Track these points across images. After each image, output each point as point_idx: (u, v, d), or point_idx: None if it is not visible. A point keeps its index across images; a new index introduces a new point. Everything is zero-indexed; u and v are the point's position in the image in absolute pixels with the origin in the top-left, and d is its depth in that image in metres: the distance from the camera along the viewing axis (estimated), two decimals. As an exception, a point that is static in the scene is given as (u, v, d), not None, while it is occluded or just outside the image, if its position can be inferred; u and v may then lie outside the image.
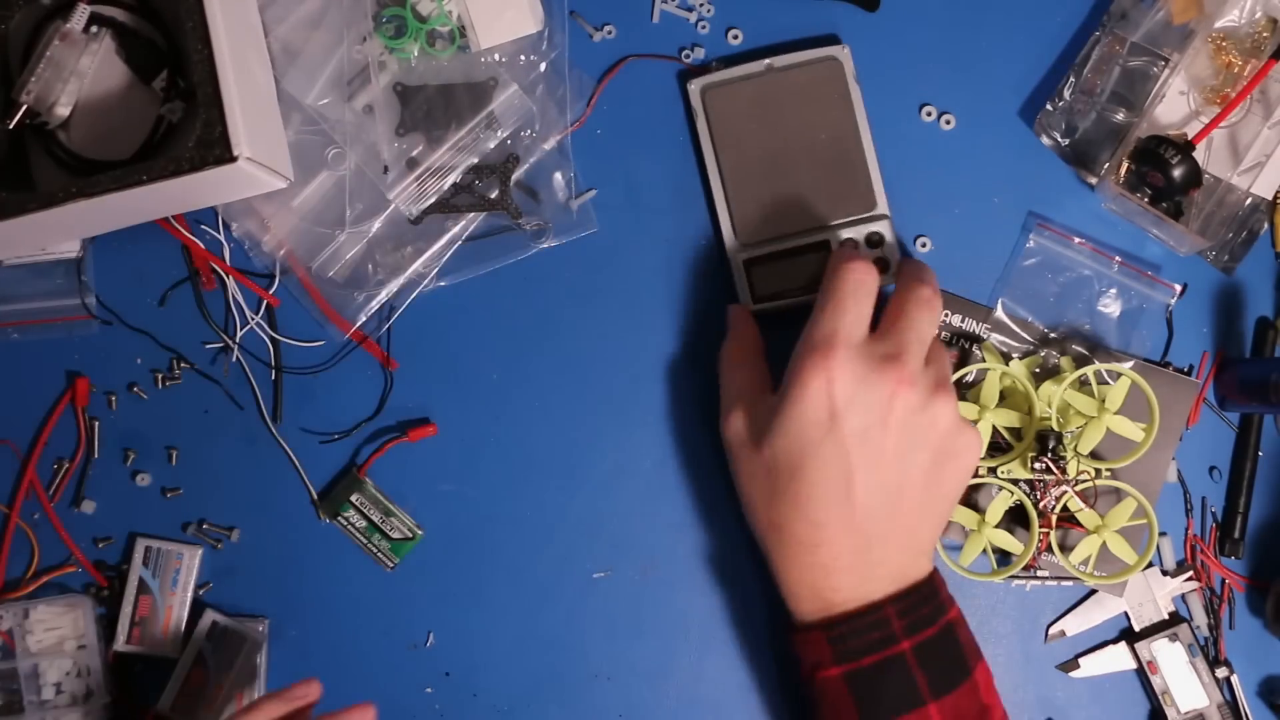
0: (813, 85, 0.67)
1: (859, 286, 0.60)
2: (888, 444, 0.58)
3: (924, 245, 0.70)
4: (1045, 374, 0.68)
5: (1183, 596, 0.69)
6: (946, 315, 0.69)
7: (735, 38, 0.70)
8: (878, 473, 0.58)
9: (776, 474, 0.59)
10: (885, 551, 0.59)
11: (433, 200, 0.68)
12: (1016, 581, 0.69)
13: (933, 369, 0.60)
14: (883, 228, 0.67)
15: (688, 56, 0.70)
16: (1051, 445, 0.64)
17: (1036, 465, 0.65)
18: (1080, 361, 0.68)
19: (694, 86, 0.68)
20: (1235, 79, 0.66)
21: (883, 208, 0.67)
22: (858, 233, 0.67)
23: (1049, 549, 0.65)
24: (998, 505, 0.66)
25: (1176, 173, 0.63)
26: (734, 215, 0.67)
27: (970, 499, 0.68)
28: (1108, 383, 0.67)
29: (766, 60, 0.68)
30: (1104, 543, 0.65)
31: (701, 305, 0.70)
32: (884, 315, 0.61)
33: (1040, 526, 0.65)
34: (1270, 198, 0.68)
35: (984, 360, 0.68)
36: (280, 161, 0.65)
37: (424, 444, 0.69)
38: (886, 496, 0.58)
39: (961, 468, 0.61)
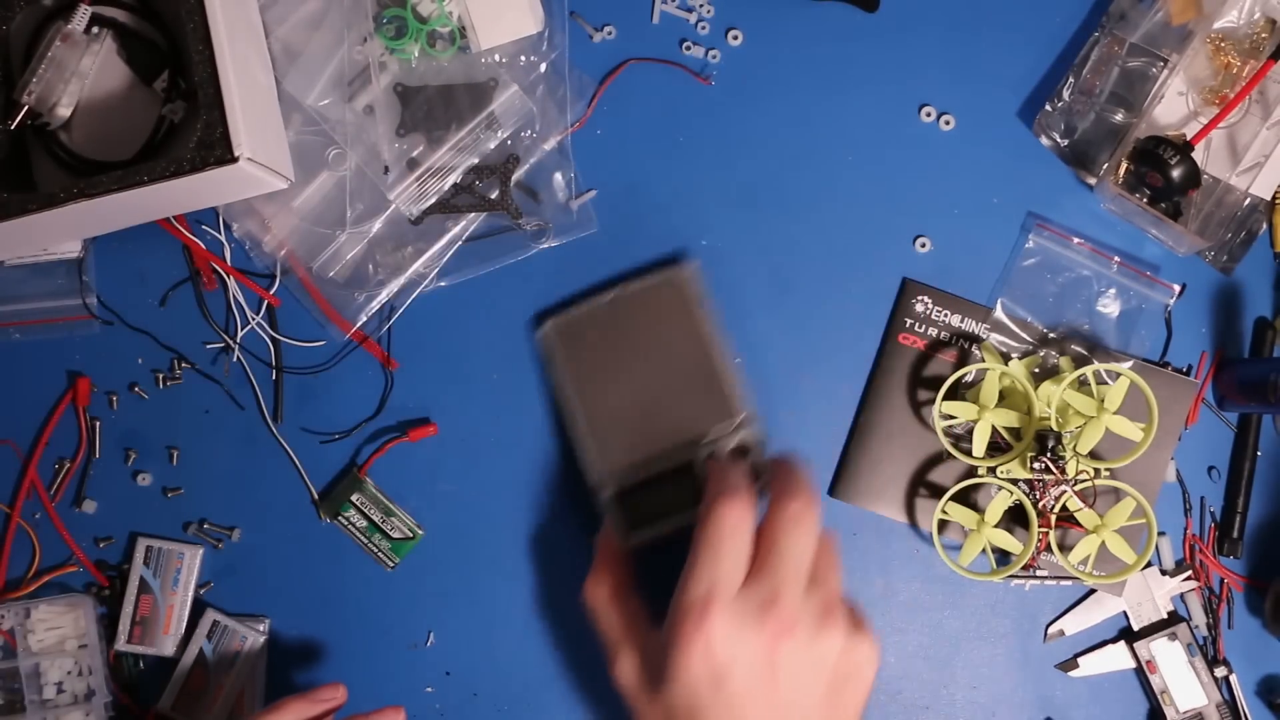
0: (660, 307, 0.67)
1: (733, 532, 0.57)
2: (779, 692, 0.56)
3: (924, 245, 0.70)
4: (1045, 374, 0.68)
5: (1181, 596, 0.69)
6: (946, 315, 0.69)
7: (735, 38, 0.70)
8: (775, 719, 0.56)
9: None
10: None
11: (433, 200, 0.68)
12: (1016, 581, 0.69)
13: (816, 596, 0.57)
14: (748, 435, 0.66)
15: (688, 49, 0.70)
16: (1051, 445, 0.64)
17: (1035, 465, 0.65)
18: (1080, 362, 0.68)
19: (546, 328, 0.67)
20: (1234, 79, 0.66)
21: (745, 414, 0.66)
22: (725, 445, 0.66)
23: (1048, 548, 0.66)
24: (997, 505, 0.66)
25: (1175, 173, 0.64)
26: (598, 451, 0.66)
27: (970, 499, 0.68)
28: (1107, 383, 0.67)
29: (612, 292, 0.67)
30: (1103, 542, 0.65)
31: (701, 305, 0.70)
32: (757, 547, 0.58)
33: (1039, 526, 0.65)
34: (1269, 198, 0.68)
35: (983, 360, 0.68)
36: (281, 162, 0.65)
37: (424, 444, 0.69)
38: None
39: (862, 683, 0.58)
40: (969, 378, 0.68)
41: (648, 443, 0.66)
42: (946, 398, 0.66)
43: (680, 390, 0.66)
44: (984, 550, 0.66)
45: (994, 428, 0.66)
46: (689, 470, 0.66)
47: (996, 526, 0.66)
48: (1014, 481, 0.66)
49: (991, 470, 0.66)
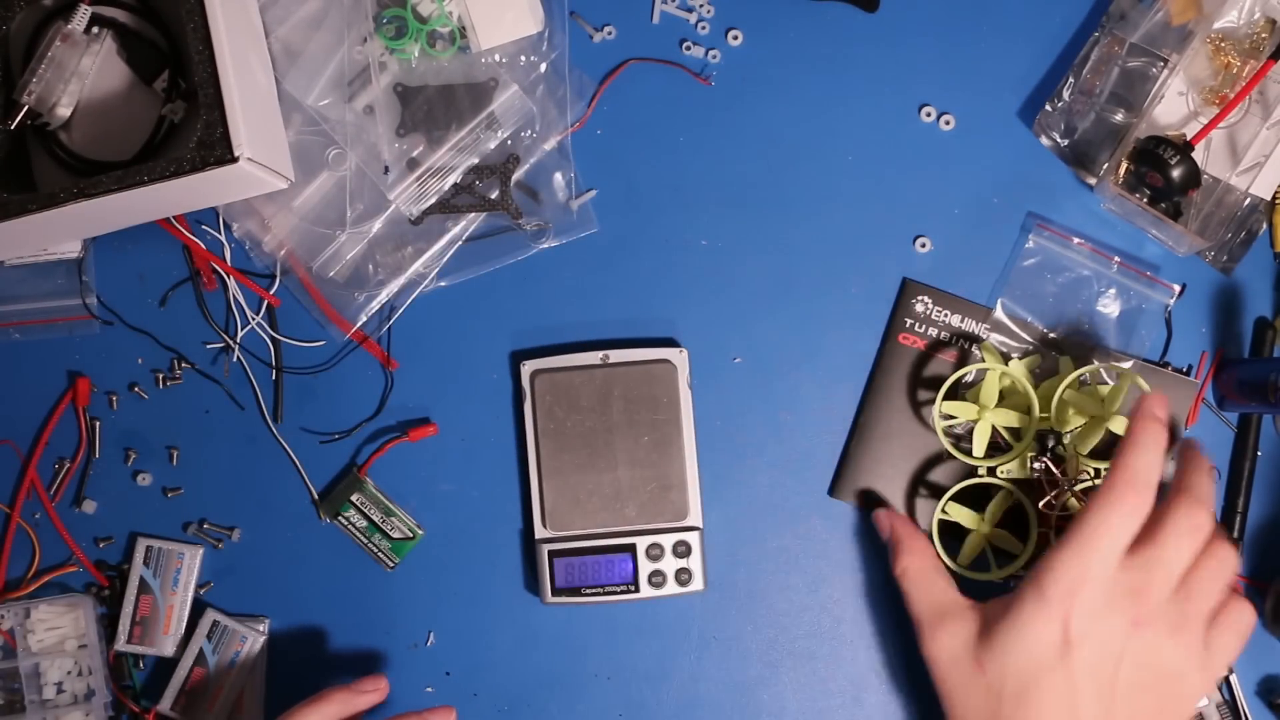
0: (644, 385, 0.67)
1: (1125, 520, 0.56)
2: (1118, 681, 0.56)
3: (924, 245, 0.70)
4: (1044, 374, 0.68)
5: (1182, 596, 0.69)
6: (946, 315, 0.69)
7: (735, 38, 0.70)
8: (1103, 709, 0.56)
9: (1000, 698, 0.57)
10: None
11: (433, 200, 0.68)
12: (1016, 581, 0.69)
13: (1179, 604, 0.57)
14: (692, 539, 0.67)
15: (688, 49, 0.70)
16: (1051, 445, 0.64)
17: (1035, 465, 0.65)
18: (1080, 362, 0.68)
19: (525, 369, 0.67)
20: (1234, 79, 0.66)
21: (695, 519, 0.67)
22: (667, 540, 0.66)
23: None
24: (997, 505, 0.66)
25: (1175, 173, 0.63)
26: (545, 503, 0.67)
27: (970, 499, 0.68)
28: (1106, 382, 0.67)
29: (602, 353, 0.67)
30: None
31: (699, 305, 0.70)
32: (1145, 530, 0.57)
33: (1040, 526, 0.65)
34: (1269, 198, 0.68)
35: (983, 360, 0.68)
36: (281, 162, 0.65)
37: (424, 444, 0.69)
38: None
39: (1188, 705, 0.59)
40: (969, 378, 0.68)
41: (595, 513, 0.67)
42: (946, 398, 0.66)
43: (642, 473, 0.67)
44: (985, 550, 0.66)
45: (994, 428, 0.66)
46: (628, 550, 0.66)
47: (997, 527, 0.66)
48: (1014, 481, 0.66)
49: (991, 470, 0.66)
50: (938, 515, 0.66)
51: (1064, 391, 0.65)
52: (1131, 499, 0.57)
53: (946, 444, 0.67)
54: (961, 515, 0.66)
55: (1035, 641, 0.57)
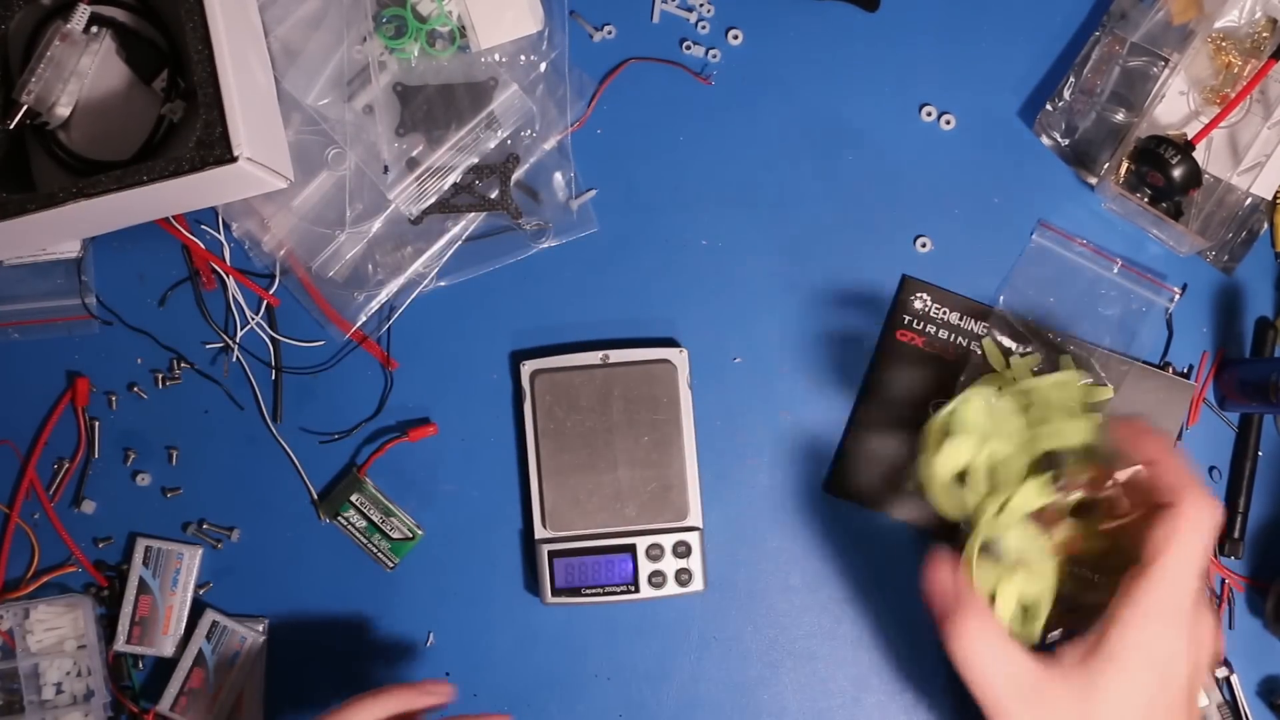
0: (644, 385, 0.67)
1: (1208, 534, 0.55)
2: (1173, 683, 0.55)
3: (924, 245, 0.70)
4: (1043, 374, 0.67)
5: (1183, 596, 0.69)
6: (945, 313, 0.69)
7: (735, 38, 0.70)
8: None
9: None
10: None
11: (433, 200, 0.68)
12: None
13: (1204, 600, 0.56)
14: (692, 539, 0.67)
15: (688, 49, 0.70)
16: (1063, 465, 0.57)
17: (1059, 484, 0.57)
18: (1079, 362, 0.68)
19: (525, 369, 0.67)
20: (1235, 79, 0.66)
21: (695, 519, 0.67)
22: (667, 540, 0.66)
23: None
24: (1021, 548, 0.57)
25: (1176, 173, 0.63)
26: (545, 503, 0.67)
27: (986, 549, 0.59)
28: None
29: (602, 353, 0.67)
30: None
31: (699, 305, 0.70)
32: None
33: (1073, 566, 0.58)
34: (1270, 198, 0.68)
35: (984, 356, 0.67)
36: (280, 161, 0.65)
37: (424, 444, 0.69)
38: None
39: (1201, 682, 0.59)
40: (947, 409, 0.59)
41: (595, 513, 0.67)
42: (939, 444, 0.58)
43: (642, 474, 0.67)
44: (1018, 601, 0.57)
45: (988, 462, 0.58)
46: (628, 550, 0.66)
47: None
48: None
49: (1002, 507, 0.56)
50: (976, 581, 0.57)
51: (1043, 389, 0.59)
52: (1209, 510, 0.55)
53: (957, 514, 0.58)
54: (983, 576, 0.57)
55: (1144, 682, 0.54)
